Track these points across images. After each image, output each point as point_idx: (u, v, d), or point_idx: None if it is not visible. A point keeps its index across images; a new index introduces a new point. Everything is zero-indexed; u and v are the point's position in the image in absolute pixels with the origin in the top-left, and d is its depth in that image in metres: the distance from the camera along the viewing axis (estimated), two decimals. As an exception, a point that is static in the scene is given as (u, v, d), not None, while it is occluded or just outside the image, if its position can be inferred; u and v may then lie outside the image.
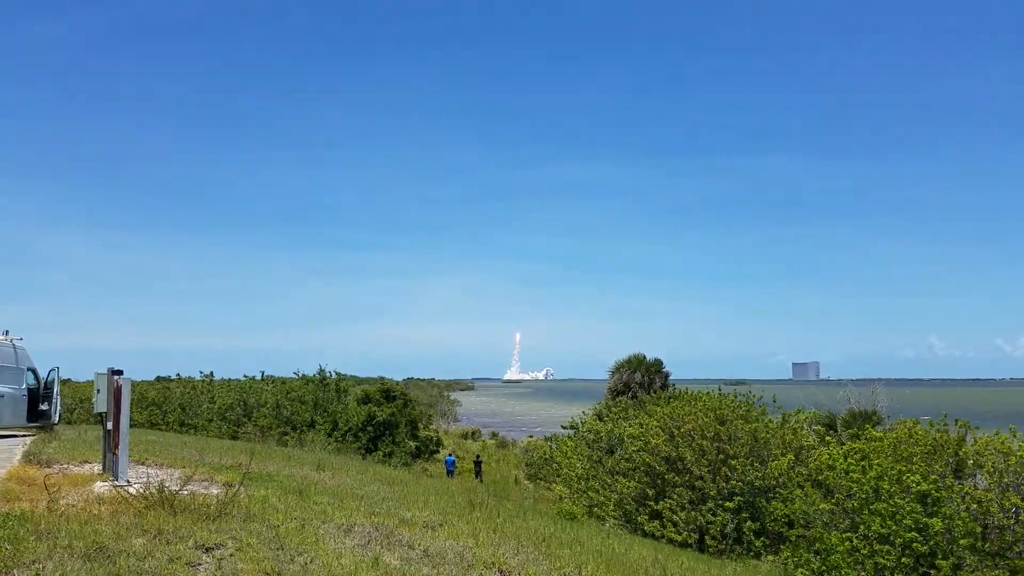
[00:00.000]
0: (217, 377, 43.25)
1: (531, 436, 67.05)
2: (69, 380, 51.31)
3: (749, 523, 18.21)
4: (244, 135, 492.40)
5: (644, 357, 45.17)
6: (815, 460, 18.15)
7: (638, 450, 21.38)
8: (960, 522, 13.70)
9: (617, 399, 41.86)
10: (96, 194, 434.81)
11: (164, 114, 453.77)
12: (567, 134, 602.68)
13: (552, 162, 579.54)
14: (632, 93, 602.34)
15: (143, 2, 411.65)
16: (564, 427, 40.07)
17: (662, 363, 45.08)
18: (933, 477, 14.70)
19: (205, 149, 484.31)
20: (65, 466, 13.10)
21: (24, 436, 19.79)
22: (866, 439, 17.08)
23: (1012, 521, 13.55)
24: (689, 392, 30.25)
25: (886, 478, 15.01)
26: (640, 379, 43.67)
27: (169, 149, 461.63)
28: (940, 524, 13.78)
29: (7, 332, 21.62)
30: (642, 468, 20.84)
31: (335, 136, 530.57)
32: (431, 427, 52.31)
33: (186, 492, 8.94)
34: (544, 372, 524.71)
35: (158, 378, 54.57)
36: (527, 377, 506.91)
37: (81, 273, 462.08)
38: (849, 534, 15.04)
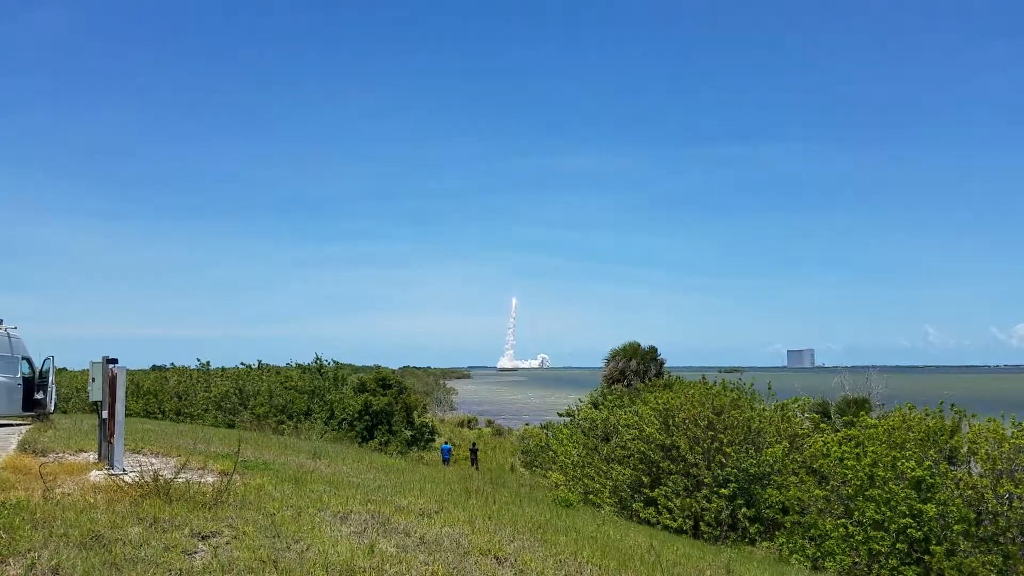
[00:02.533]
0: (213, 367, 43.19)
1: (527, 424, 67.07)
2: (64, 369, 51.06)
3: (744, 510, 18.29)
4: (242, 126, 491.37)
5: (639, 345, 45.31)
6: (810, 447, 18.24)
7: (633, 438, 21.43)
8: (954, 508, 13.77)
9: (613, 387, 42.00)
10: (92, 184, 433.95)
11: (163, 105, 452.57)
12: (563, 125, 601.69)
13: (549, 153, 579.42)
14: (628, 84, 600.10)
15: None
16: (560, 415, 40.21)
17: (657, 351, 45.28)
18: (927, 464, 14.76)
19: (203, 140, 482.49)
20: (61, 455, 13.08)
21: (19, 425, 19.74)
22: (861, 426, 17.15)
23: (1005, 507, 13.63)
24: (684, 380, 30.36)
25: (880, 465, 15.08)
26: (635, 367, 43.82)
27: (167, 140, 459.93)
28: (934, 510, 13.86)
29: (1, 321, 21.54)
30: (637, 455, 20.90)
31: (332, 128, 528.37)
32: (427, 415, 52.28)
33: (182, 480, 8.93)
34: (539, 360, 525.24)
35: (154, 367, 54.54)
36: (522, 365, 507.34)
37: (76, 262, 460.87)
38: (843, 520, 15.12)
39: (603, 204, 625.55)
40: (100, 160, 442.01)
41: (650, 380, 39.18)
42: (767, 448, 19.25)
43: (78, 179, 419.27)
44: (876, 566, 14.24)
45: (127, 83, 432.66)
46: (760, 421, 20.49)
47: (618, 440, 23.26)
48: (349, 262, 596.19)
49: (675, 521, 18.57)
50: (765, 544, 17.66)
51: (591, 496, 21.59)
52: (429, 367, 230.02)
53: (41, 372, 21.80)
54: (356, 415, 36.93)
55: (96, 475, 10.49)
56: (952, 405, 16.71)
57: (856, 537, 14.59)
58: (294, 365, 44.63)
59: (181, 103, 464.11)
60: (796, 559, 15.39)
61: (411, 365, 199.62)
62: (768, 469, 18.76)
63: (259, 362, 46.79)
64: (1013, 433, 14.54)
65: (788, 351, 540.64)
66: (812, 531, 15.75)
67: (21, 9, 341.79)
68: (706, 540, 17.66)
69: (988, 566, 13.22)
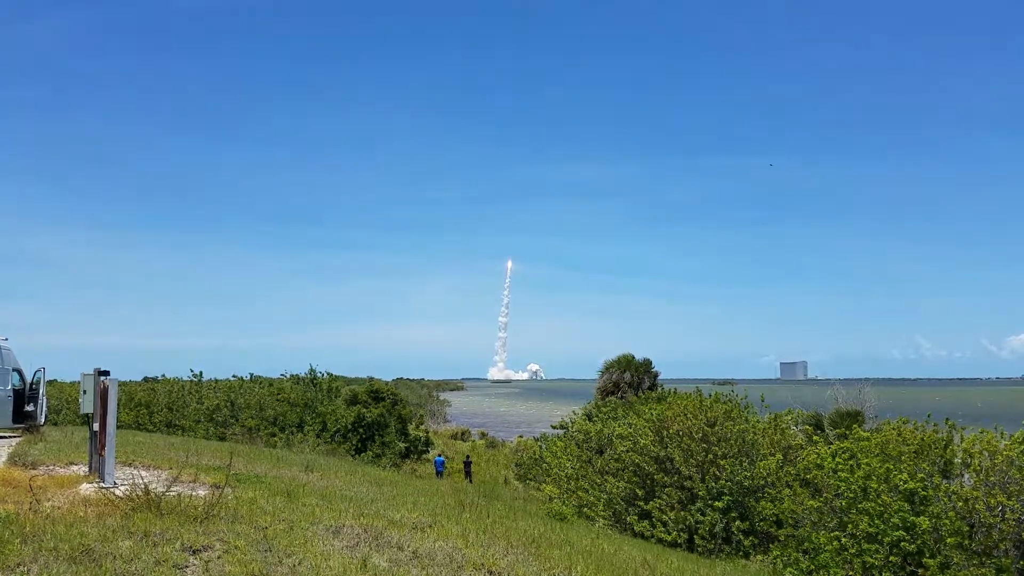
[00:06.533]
0: (205, 378, 43.01)
1: (521, 436, 66.96)
2: (55, 381, 50.77)
3: (738, 523, 18.26)
4: (234, 134, 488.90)
5: (633, 357, 45.34)
6: (803, 460, 18.23)
7: (627, 450, 21.41)
8: (947, 521, 13.78)
9: (606, 399, 41.95)
10: (83, 193, 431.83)
11: (154, 113, 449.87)
12: (556, 134, 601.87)
13: (542, 162, 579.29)
14: (622, 93, 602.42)
15: (137, 0, 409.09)
16: (554, 427, 40.16)
17: (651, 363, 45.31)
18: (920, 476, 14.78)
19: (194, 148, 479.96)
20: (51, 468, 13.01)
21: (10, 437, 19.62)
22: (854, 439, 17.17)
23: (998, 520, 13.63)
24: (677, 392, 30.38)
25: (874, 477, 15.08)
26: (629, 379, 43.83)
27: (158, 148, 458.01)
28: (927, 523, 13.86)
29: (-8, 332, 21.43)
30: (631, 468, 20.86)
31: (325, 136, 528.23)
32: (420, 427, 52.08)
33: (173, 494, 8.88)
34: (531, 371, 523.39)
35: (145, 379, 54.23)
36: (515, 376, 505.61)
37: (68, 272, 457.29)
38: (837, 533, 15.11)
39: (598, 214, 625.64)
40: (91, 169, 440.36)
41: (644, 392, 39.18)
42: (761, 460, 19.25)
43: (70, 188, 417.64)
44: (870, 579, 14.22)
45: (122, 91, 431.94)
46: (754, 433, 20.50)
47: (612, 452, 23.22)
48: (343, 272, 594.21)
49: (669, 534, 18.52)
50: (759, 557, 17.62)
51: (585, 509, 21.52)
52: (423, 378, 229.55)
53: (32, 384, 21.68)
54: (349, 427, 36.82)
55: (87, 488, 10.43)
56: (946, 420, 16.74)
57: (850, 550, 14.57)
58: (287, 376, 44.48)
59: (174, 111, 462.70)
60: (790, 572, 15.36)
61: (404, 377, 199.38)
62: (762, 482, 18.75)
63: (251, 374, 46.66)
64: (1006, 445, 14.57)
65: (781, 363, 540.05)
66: (806, 544, 15.72)
67: (16, 15, 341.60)
68: (700, 554, 17.62)
69: (982, 579, 13.21)
